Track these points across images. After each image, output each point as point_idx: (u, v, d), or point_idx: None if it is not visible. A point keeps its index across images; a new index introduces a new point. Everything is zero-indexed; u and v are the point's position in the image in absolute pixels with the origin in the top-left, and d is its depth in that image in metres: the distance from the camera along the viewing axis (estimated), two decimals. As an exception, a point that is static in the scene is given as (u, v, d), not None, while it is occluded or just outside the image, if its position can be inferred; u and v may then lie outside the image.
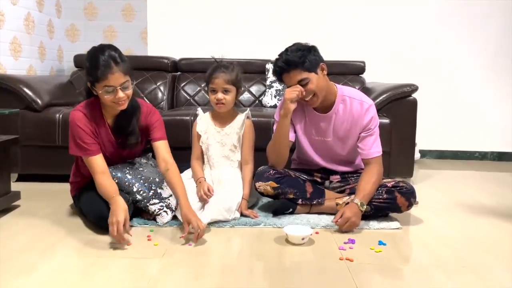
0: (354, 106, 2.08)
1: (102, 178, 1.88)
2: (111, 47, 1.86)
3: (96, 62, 1.80)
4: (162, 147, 2.04)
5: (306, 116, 2.16)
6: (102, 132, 1.97)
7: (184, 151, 2.34)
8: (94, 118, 1.95)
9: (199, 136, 2.23)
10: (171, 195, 2.05)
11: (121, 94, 1.84)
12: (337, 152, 2.19)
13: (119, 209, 1.77)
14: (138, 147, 2.08)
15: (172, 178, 1.95)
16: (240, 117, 2.24)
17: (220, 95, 2.13)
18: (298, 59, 1.95)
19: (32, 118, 2.67)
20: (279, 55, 2.02)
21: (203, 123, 2.25)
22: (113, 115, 1.99)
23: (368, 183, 2.01)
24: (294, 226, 1.89)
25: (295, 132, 2.18)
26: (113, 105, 1.88)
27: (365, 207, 1.97)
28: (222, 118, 2.24)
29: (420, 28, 3.79)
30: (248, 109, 2.31)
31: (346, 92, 2.11)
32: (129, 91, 1.88)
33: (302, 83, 1.97)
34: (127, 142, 2.01)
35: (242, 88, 2.25)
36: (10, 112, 2.36)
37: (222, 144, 2.22)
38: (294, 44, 2.02)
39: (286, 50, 2.00)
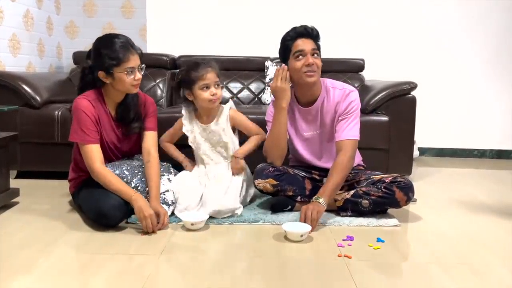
0: (336, 94, 2.12)
1: (104, 170, 1.92)
2: (120, 34, 1.97)
3: (113, 47, 1.89)
4: (150, 138, 2.10)
5: (295, 113, 2.18)
6: (105, 121, 2.01)
7: (183, 148, 2.34)
8: (98, 106, 1.99)
9: (181, 132, 2.22)
10: (167, 190, 2.07)
11: (139, 75, 1.94)
12: (327, 146, 2.20)
13: (143, 205, 1.85)
14: (138, 132, 2.12)
15: (150, 169, 2.02)
16: (224, 111, 2.19)
17: (214, 90, 2.09)
18: (318, 35, 2.08)
19: (31, 115, 2.66)
20: (296, 27, 2.09)
21: (188, 123, 2.21)
22: (116, 104, 2.04)
23: (329, 180, 1.99)
24: (293, 223, 1.90)
25: None
26: (131, 88, 1.96)
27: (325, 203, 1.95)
28: (207, 115, 2.19)
29: (419, 26, 3.79)
30: (230, 100, 2.29)
31: (329, 83, 2.15)
32: (141, 74, 1.98)
33: (315, 52, 2.04)
34: (130, 128, 2.06)
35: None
36: (9, 109, 2.36)
37: (210, 141, 2.19)
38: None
39: (305, 26, 2.09)
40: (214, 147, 2.19)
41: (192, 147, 2.21)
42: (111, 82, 1.94)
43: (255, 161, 2.24)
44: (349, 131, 2.07)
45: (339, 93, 2.12)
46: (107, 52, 1.89)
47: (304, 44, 2.04)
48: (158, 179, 2.03)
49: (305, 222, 1.88)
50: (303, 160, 2.26)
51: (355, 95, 2.12)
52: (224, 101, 2.25)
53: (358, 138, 2.09)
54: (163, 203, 2.02)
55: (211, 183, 2.12)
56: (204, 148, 2.19)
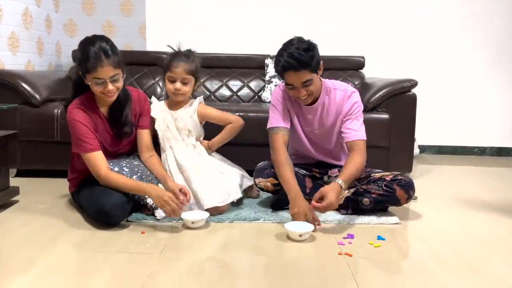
0: (338, 96, 2.10)
1: (112, 175, 1.92)
2: (103, 39, 1.89)
3: (86, 53, 1.82)
4: (147, 135, 2.13)
5: (298, 108, 2.17)
6: (99, 123, 2.00)
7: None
8: (90, 111, 1.97)
9: (153, 120, 2.19)
10: None
11: (110, 86, 1.87)
12: (325, 145, 2.20)
13: (160, 191, 1.88)
14: (133, 135, 2.10)
15: (156, 161, 2.10)
16: (194, 104, 2.22)
17: (178, 85, 2.11)
18: (309, 59, 1.89)
19: (30, 113, 2.66)
20: (285, 50, 1.91)
21: (157, 108, 2.21)
22: (107, 106, 2.01)
23: (353, 166, 1.96)
24: (295, 223, 1.88)
25: (291, 120, 2.18)
26: (102, 96, 1.91)
27: (345, 192, 1.89)
28: (175, 104, 2.22)
29: (419, 24, 3.78)
30: (201, 97, 2.28)
31: (330, 84, 2.13)
32: (119, 84, 1.91)
33: (307, 83, 1.95)
34: (122, 131, 2.04)
35: (201, 79, 2.24)
36: (9, 107, 2.36)
37: (175, 127, 2.19)
38: (300, 41, 1.94)
39: (296, 47, 1.89)
40: (179, 132, 2.19)
41: (158, 132, 2.18)
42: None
43: (255, 160, 2.24)
44: (359, 131, 2.05)
45: (341, 94, 2.10)
46: (80, 57, 1.85)
47: (295, 78, 1.93)
48: (163, 166, 2.09)
49: (319, 203, 1.83)
50: (304, 150, 2.25)
51: (356, 96, 2.10)
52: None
53: (366, 139, 2.08)
54: None
55: (194, 176, 2.09)
56: (168, 133, 2.19)
